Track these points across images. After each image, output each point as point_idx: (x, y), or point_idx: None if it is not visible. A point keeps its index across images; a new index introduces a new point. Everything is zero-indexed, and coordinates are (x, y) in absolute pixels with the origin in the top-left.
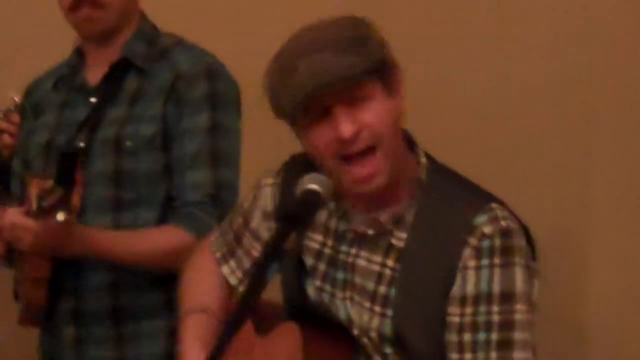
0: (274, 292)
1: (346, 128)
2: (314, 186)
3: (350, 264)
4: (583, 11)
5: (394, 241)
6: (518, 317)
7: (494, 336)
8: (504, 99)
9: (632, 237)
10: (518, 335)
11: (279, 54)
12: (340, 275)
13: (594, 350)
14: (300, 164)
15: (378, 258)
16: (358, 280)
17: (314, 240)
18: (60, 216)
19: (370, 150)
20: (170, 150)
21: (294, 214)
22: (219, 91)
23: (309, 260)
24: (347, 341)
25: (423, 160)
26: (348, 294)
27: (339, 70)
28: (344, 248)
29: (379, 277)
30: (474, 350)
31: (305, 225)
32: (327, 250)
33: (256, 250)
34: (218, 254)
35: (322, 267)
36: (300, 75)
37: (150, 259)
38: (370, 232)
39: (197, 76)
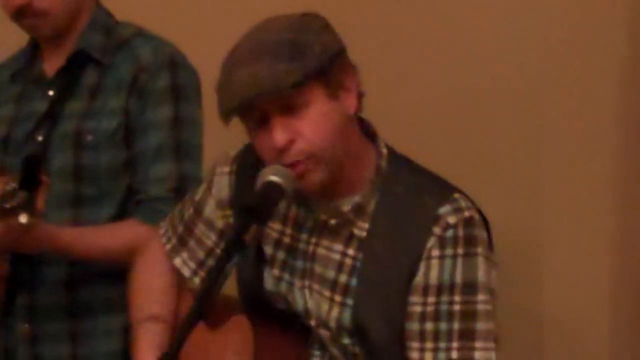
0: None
1: (279, 138)
2: (275, 178)
3: (310, 252)
4: (533, 14)
5: (355, 231)
6: (480, 307)
7: (456, 326)
8: (458, 100)
9: (583, 227)
10: (480, 325)
11: (224, 59)
12: (299, 263)
13: (549, 339)
14: (255, 153)
15: (339, 247)
16: (318, 269)
17: (273, 229)
18: (23, 218)
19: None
20: (133, 144)
21: (255, 206)
22: (182, 83)
23: (267, 250)
24: (301, 333)
25: (384, 150)
26: (307, 282)
27: (270, 82)
28: (303, 236)
29: (340, 266)
30: (435, 340)
31: (266, 217)
32: (286, 239)
33: (210, 240)
34: (168, 246)
35: (280, 255)
36: (233, 85)
37: (113, 256)
38: (333, 222)
39: (160, 68)
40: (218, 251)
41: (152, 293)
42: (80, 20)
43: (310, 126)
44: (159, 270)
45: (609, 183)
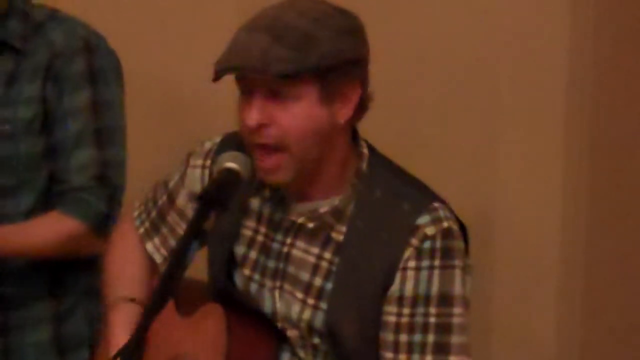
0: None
1: (253, 118)
2: (232, 165)
3: (284, 253)
4: None
5: (333, 234)
6: (456, 320)
7: (431, 338)
8: (410, 77)
9: (536, 217)
10: (455, 339)
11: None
12: (271, 263)
13: (498, 320)
14: (232, 146)
15: (315, 250)
16: (291, 270)
17: (247, 227)
18: None
19: (275, 147)
20: (52, 132)
21: (211, 194)
22: (98, 66)
23: (240, 249)
24: (272, 328)
25: (365, 151)
26: (278, 283)
27: (260, 61)
28: (279, 237)
29: (315, 268)
30: (409, 352)
31: (225, 205)
32: (260, 238)
33: (181, 229)
34: (141, 230)
35: (253, 255)
36: (232, 47)
37: (41, 252)
38: (310, 225)
39: (74, 53)
40: None
41: (128, 273)
42: None
43: (290, 120)
44: (133, 254)
45: (561, 166)
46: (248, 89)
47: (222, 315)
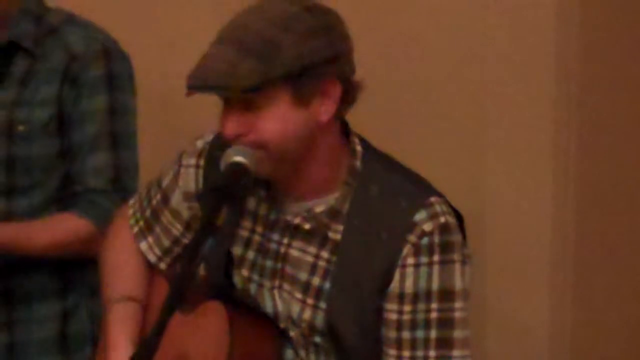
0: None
1: (229, 129)
2: (239, 158)
3: (281, 253)
4: None
5: (330, 234)
6: (457, 315)
7: (433, 334)
8: (402, 64)
9: (526, 211)
10: (457, 334)
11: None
12: (269, 263)
13: (491, 299)
14: (225, 144)
15: (312, 249)
16: (289, 270)
17: (243, 227)
18: None
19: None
20: (68, 134)
21: (223, 187)
22: (116, 71)
23: (237, 250)
24: (274, 326)
25: (358, 148)
26: (277, 283)
27: (225, 78)
28: (275, 237)
29: (313, 268)
30: (413, 348)
31: (236, 198)
32: (257, 237)
33: (175, 229)
34: (135, 229)
35: (250, 255)
36: (202, 62)
37: (52, 251)
38: (307, 226)
39: (93, 57)
40: (184, 240)
41: (125, 271)
42: (9, 5)
43: (265, 124)
44: (130, 250)
45: (550, 150)
46: (225, 99)
47: (224, 313)
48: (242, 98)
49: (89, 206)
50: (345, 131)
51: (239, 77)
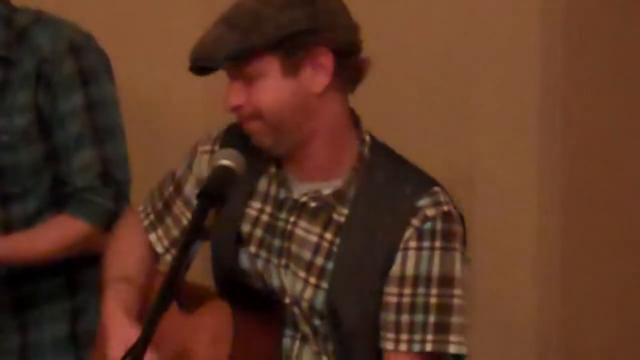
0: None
1: (230, 101)
2: (226, 162)
3: (288, 231)
4: None
5: (335, 216)
6: (456, 301)
7: (432, 318)
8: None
9: (512, 200)
10: (455, 319)
11: None
12: (277, 242)
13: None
14: (238, 133)
15: (317, 229)
16: (294, 248)
17: (253, 207)
18: None
19: (251, 116)
20: (50, 136)
21: (209, 190)
22: (88, 66)
23: (245, 228)
24: (274, 314)
25: (367, 138)
26: (284, 261)
27: (213, 51)
28: (283, 215)
29: (316, 248)
30: (410, 332)
31: (222, 201)
32: (265, 217)
33: (186, 218)
34: (146, 222)
35: (258, 233)
36: (200, 41)
37: (53, 256)
38: (313, 204)
39: (62, 56)
40: None
41: (128, 258)
42: None
43: (259, 95)
44: (136, 241)
45: (536, 152)
46: (229, 76)
47: (227, 311)
48: (239, 72)
49: (80, 205)
50: (355, 121)
51: (222, 48)
